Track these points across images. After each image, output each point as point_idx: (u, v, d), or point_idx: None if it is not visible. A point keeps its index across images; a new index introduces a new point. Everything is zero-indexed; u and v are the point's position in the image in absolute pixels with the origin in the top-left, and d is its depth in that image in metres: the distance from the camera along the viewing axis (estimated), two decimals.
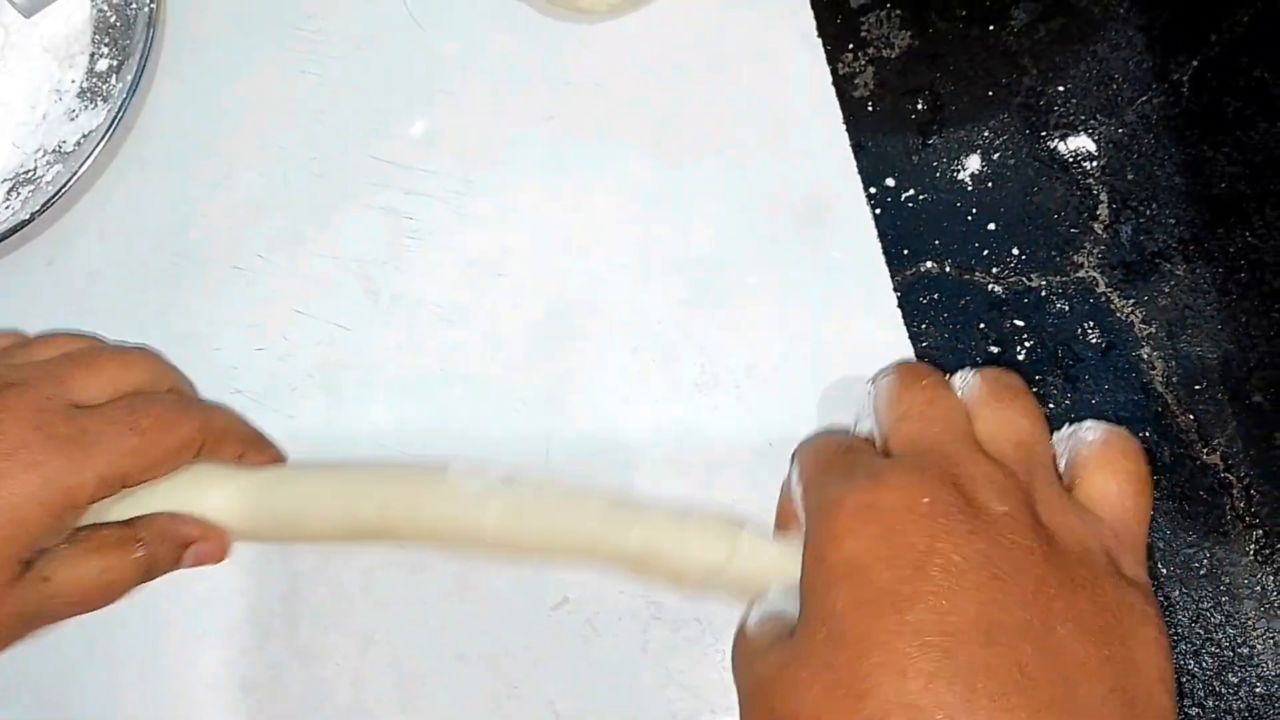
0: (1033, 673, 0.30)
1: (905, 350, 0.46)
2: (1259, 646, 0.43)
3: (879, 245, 0.47)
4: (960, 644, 0.30)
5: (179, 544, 0.41)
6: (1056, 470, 0.37)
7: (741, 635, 0.37)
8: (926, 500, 0.32)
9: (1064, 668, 0.30)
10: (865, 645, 0.31)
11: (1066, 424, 0.39)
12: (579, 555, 0.40)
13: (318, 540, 0.44)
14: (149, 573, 0.41)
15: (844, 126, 0.49)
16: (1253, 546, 0.44)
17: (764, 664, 0.34)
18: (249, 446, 0.44)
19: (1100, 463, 0.36)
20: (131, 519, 0.40)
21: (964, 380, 0.38)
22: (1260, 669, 0.43)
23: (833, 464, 0.36)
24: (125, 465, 0.38)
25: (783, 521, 0.41)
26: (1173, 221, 0.48)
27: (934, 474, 0.33)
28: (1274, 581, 0.44)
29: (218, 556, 0.42)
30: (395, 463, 0.44)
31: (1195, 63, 0.49)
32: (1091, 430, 0.37)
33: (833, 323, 0.46)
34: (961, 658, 0.30)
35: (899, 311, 0.46)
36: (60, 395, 0.38)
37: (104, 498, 0.38)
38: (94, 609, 0.40)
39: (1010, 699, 0.29)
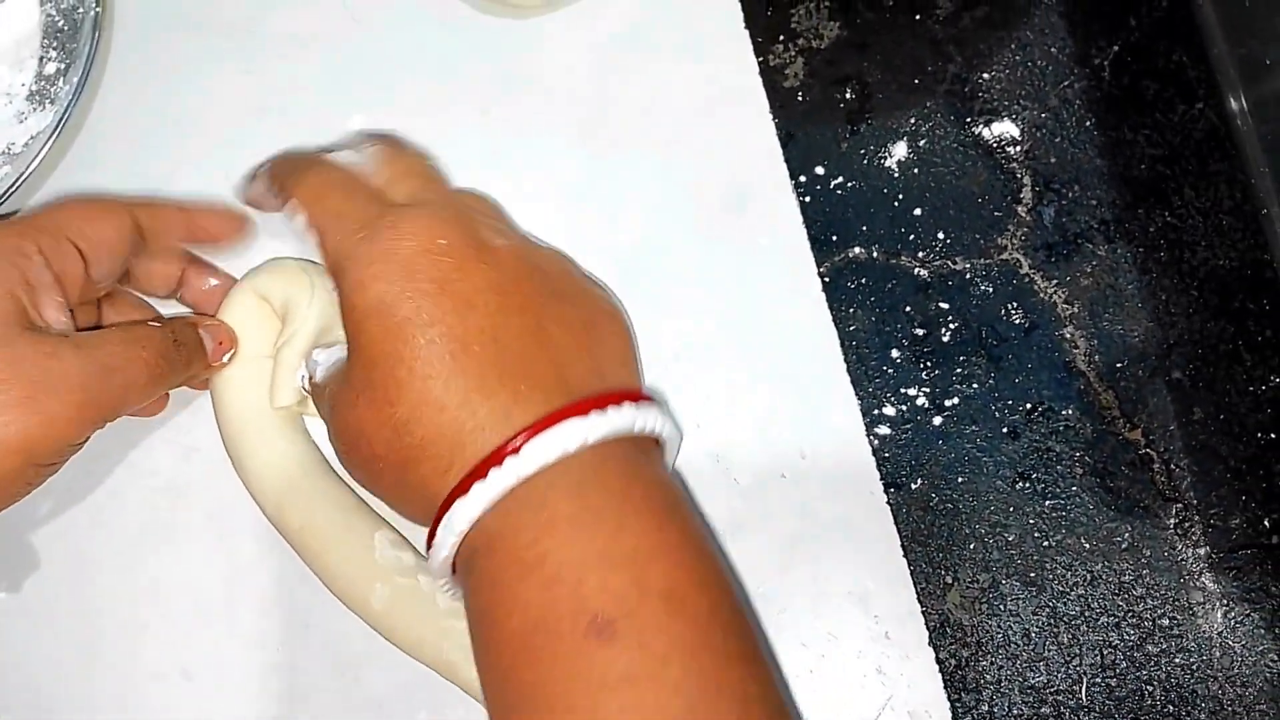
0: (532, 358, 0.37)
1: (829, 333, 0.47)
2: (1179, 618, 0.44)
3: (804, 232, 0.48)
4: (473, 348, 0.36)
5: (189, 323, 0.44)
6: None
7: (315, 386, 0.43)
8: (443, 241, 0.38)
9: (556, 355, 0.37)
10: (392, 363, 0.36)
11: None
12: (437, 669, 0.42)
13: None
14: (179, 340, 0.42)
15: (770, 116, 0.49)
16: (1173, 520, 0.45)
17: (330, 397, 0.40)
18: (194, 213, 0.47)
19: None
20: None
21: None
22: (1180, 640, 0.44)
23: (344, 213, 0.40)
24: (53, 220, 0.41)
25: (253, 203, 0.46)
26: (1094, 203, 0.48)
27: (447, 218, 0.39)
28: (1193, 554, 0.45)
29: (230, 337, 0.45)
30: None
31: (1115, 47, 0.50)
32: None
33: (759, 308, 0.47)
34: (474, 357, 0.36)
35: (823, 296, 0.47)
36: None
37: (50, 248, 0.40)
38: (139, 376, 0.40)
39: (517, 382, 0.36)
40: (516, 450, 0.34)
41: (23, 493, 0.39)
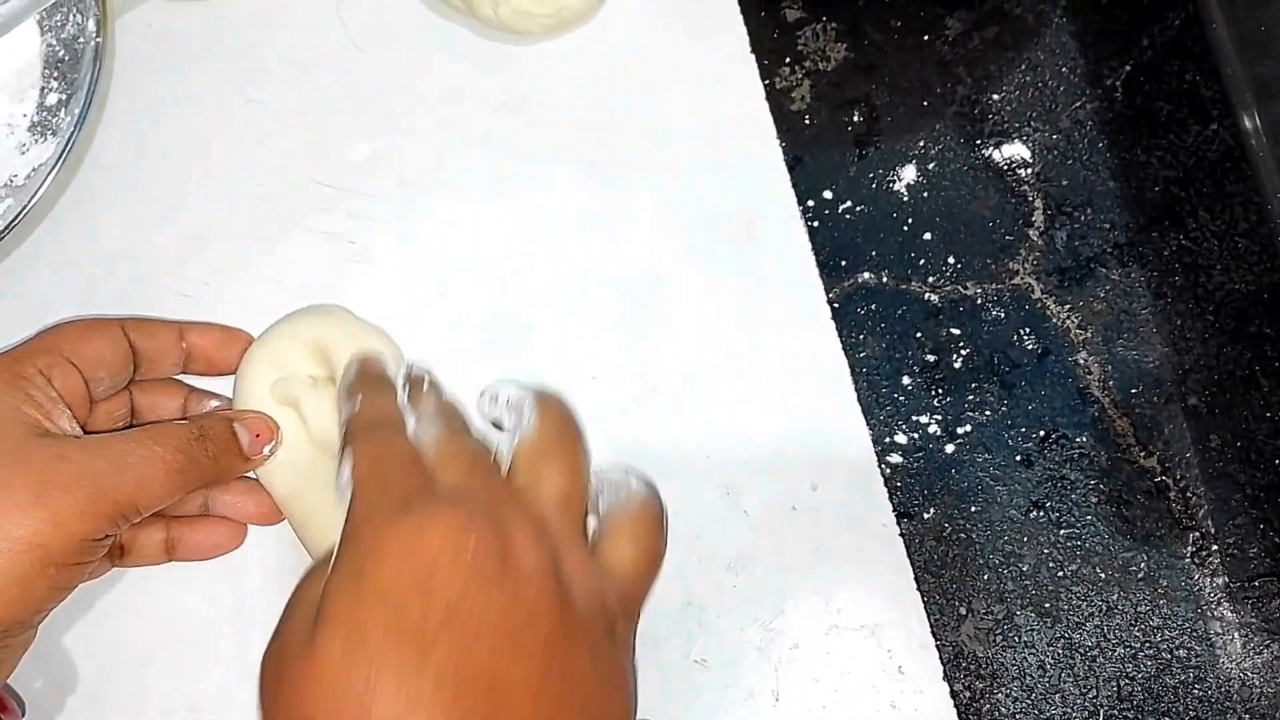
0: None
1: (839, 361, 0.46)
2: (1197, 648, 0.44)
3: (812, 258, 0.47)
4: (467, 691, 0.32)
5: (221, 415, 0.43)
6: (585, 526, 0.39)
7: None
8: (470, 546, 0.34)
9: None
10: (381, 672, 0.32)
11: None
12: None
13: None
14: (200, 441, 0.41)
15: (778, 141, 0.49)
16: (1190, 549, 0.45)
17: (288, 639, 0.35)
18: (183, 331, 0.46)
19: (627, 531, 0.39)
20: None
21: (521, 413, 0.41)
22: (1199, 671, 0.43)
23: (390, 482, 0.37)
24: (45, 342, 0.42)
25: None
26: (1107, 226, 0.48)
27: (480, 519, 0.35)
28: (1211, 583, 0.44)
29: (271, 432, 0.44)
30: None
31: (1128, 67, 0.49)
32: (630, 495, 0.40)
33: (768, 335, 0.47)
34: (465, 704, 0.32)
35: (832, 323, 0.47)
36: None
37: (47, 366, 0.41)
38: (162, 482, 0.40)
39: None
40: None
41: (54, 597, 0.39)
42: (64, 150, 0.49)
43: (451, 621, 0.33)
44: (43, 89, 0.52)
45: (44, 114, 0.52)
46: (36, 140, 0.51)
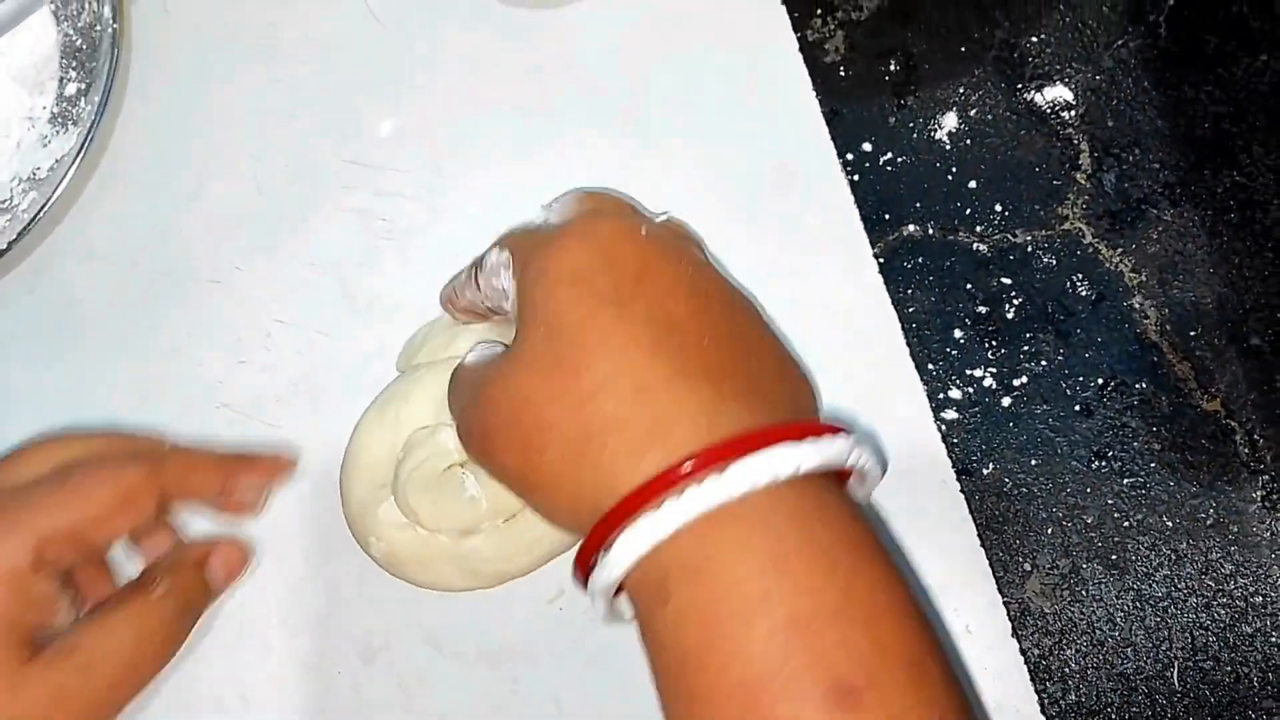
0: (735, 366, 0.34)
1: (889, 315, 0.45)
2: (1273, 595, 0.42)
3: (855, 211, 0.46)
4: (675, 336, 0.33)
5: (194, 563, 0.42)
6: None
7: (460, 368, 0.40)
8: (643, 230, 0.36)
9: (758, 371, 0.35)
10: (584, 331, 0.33)
11: None
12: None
13: None
14: (187, 605, 0.41)
15: (813, 93, 0.48)
16: (1260, 493, 0.43)
17: (481, 375, 0.37)
18: (230, 472, 0.43)
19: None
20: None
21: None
22: (1276, 617, 0.42)
23: (538, 229, 0.39)
24: (61, 519, 0.38)
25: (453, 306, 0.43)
26: (1157, 166, 0.46)
27: (644, 220, 0.38)
28: None
29: (241, 559, 0.44)
30: None
31: (1171, 2, 0.48)
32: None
33: (813, 293, 0.46)
34: (678, 344, 0.33)
35: (880, 277, 0.46)
36: None
37: (58, 557, 0.38)
38: (153, 666, 0.40)
39: (722, 381, 0.33)
40: (741, 454, 0.30)
41: None
42: (86, 140, 0.49)
43: (641, 285, 0.34)
44: (62, 79, 0.52)
45: (64, 104, 0.51)
46: (58, 131, 0.51)
